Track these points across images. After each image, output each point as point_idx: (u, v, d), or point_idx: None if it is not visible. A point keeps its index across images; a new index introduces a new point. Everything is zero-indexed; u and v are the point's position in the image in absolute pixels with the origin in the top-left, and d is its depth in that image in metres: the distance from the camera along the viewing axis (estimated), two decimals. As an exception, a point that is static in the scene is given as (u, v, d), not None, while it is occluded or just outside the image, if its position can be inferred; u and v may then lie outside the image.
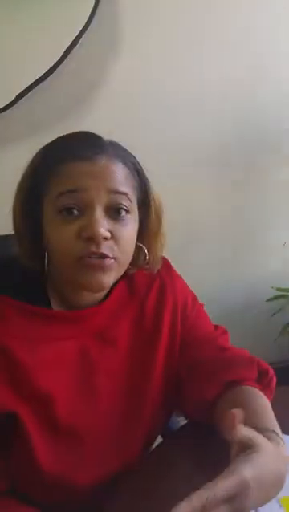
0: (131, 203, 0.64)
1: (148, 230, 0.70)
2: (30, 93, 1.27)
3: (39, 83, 1.27)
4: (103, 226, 0.60)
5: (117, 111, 1.33)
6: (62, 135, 0.68)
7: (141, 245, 0.68)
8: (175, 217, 1.49)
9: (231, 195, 1.60)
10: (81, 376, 0.67)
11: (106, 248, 0.61)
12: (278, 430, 0.59)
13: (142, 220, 0.68)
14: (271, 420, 0.61)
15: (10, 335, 0.63)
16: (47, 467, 0.63)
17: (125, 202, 0.63)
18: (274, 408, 0.65)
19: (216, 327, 0.79)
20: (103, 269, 0.61)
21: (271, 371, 0.72)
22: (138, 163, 0.68)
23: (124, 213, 0.63)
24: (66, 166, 0.61)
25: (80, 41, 1.23)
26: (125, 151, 0.67)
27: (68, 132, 0.68)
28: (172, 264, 0.79)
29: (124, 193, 0.63)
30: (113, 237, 0.61)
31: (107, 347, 0.69)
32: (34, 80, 1.26)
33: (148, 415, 0.70)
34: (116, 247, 0.62)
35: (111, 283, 0.65)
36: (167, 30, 1.33)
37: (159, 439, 0.78)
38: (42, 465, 0.62)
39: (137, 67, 1.33)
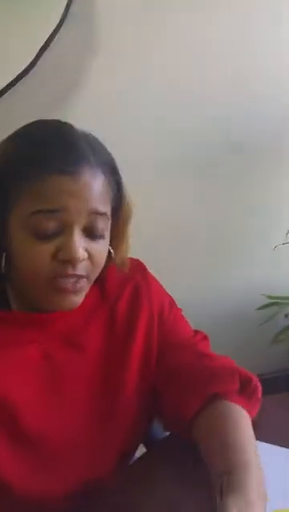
0: (107, 221, 0.61)
1: (116, 233, 0.66)
2: (5, 95, 1.23)
3: (13, 85, 1.23)
4: (81, 248, 0.57)
5: (96, 111, 1.30)
6: (32, 125, 0.62)
7: (109, 247, 0.64)
8: (162, 223, 1.50)
9: (218, 199, 1.57)
10: (46, 383, 0.63)
11: (81, 269, 0.58)
12: (252, 457, 0.56)
13: (112, 223, 0.64)
14: (249, 454, 0.57)
15: None
16: (9, 476, 0.59)
17: (103, 223, 0.60)
18: (264, 418, 0.63)
19: (196, 332, 0.75)
20: (75, 291, 0.59)
21: (255, 380, 0.67)
22: (114, 163, 0.64)
23: (98, 234, 0.60)
24: (45, 180, 0.55)
25: (54, 40, 1.20)
26: (102, 151, 0.62)
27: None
28: (151, 270, 0.75)
29: (104, 213, 0.59)
30: (89, 256, 0.59)
31: (75, 352, 0.65)
32: (7, 83, 1.22)
33: (122, 424, 0.66)
34: (90, 266, 0.59)
35: (81, 300, 0.61)
36: (143, 26, 1.32)
37: (142, 448, 0.75)
38: (7, 477, 0.59)
39: (115, 65, 1.31)
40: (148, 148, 1.41)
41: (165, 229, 1.49)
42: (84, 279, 0.59)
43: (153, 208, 1.41)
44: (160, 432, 0.80)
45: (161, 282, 0.75)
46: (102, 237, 0.60)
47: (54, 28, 1.18)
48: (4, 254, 0.60)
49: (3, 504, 0.60)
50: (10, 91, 1.23)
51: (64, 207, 0.55)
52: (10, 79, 1.22)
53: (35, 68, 1.23)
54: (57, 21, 1.17)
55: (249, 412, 0.63)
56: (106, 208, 0.60)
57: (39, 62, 1.22)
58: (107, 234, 0.62)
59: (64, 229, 0.56)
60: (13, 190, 0.57)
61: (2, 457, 0.59)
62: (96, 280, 0.65)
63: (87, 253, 0.58)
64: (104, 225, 0.60)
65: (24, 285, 0.61)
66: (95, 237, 0.59)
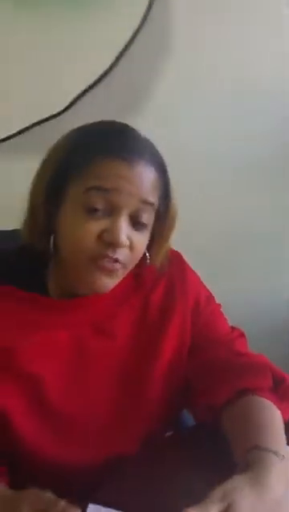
0: (152, 213, 0.65)
1: (158, 235, 0.70)
2: (83, 97, 1.30)
3: (92, 87, 1.30)
4: (126, 234, 0.61)
5: (168, 115, 1.34)
6: (99, 121, 0.69)
7: (144, 250, 0.68)
8: (239, 224, 1.47)
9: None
10: (74, 366, 0.67)
11: (121, 254, 0.62)
12: (283, 448, 0.58)
13: (155, 227, 0.68)
14: (275, 437, 0.59)
15: (1, 324, 0.65)
16: (32, 446, 0.64)
17: (149, 214, 0.64)
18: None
19: (232, 328, 0.77)
20: (111, 274, 0.63)
21: (287, 377, 0.69)
22: (166, 167, 0.68)
23: (144, 224, 0.64)
24: (103, 162, 0.61)
25: (132, 46, 1.26)
26: (156, 152, 0.68)
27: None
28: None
29: (152, 204, 0.64)
30: (130, 245, 0.63)
31: (105, 338, 0.69)
32: (87, 85, 1.29)
33: (146, 411, 0.69)
34: (129, 255, 0.63)
35: (112, 287, 0.65)
36: (221, 37, 1.32)
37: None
38: (27, 444, 0.64)
39: (189, 71, 1.33)
40: (224, 148, 1.42)
41: (241, 229, 1.49)
42: (121, 266, 0.63)
43: (230, 209, 1.44)
44: (191, 422, 0.81)
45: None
46: (145, 228, 0.64)
47: (130, 36, 1.23)
48: (52, 236, 0.65)
49: (27, 472, 0.64)
50: (89, 92, 1.30)
51: (117, 188, 0.60)
52: (84, 86, 1.29)
53: (110, 75, 1.28)
54: (133, 29, 1.23)
55: (280, 411, 0.65)
56: (154, 198, 0.64)
57: (114, 70, 1.28)
58: (149, 229, 0.66)
59: (113, 212, 0.61)
60: (73, 173, 0.62)
61: (29, 429, 0.64)
62: (131, 273, 0.69)
63: (129, 241, 0.62)
64: (149, 218, 0.64)
65: (65, 266, 0.66)
66: (139, 226, 0.63)
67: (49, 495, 0.51)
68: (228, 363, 0.70)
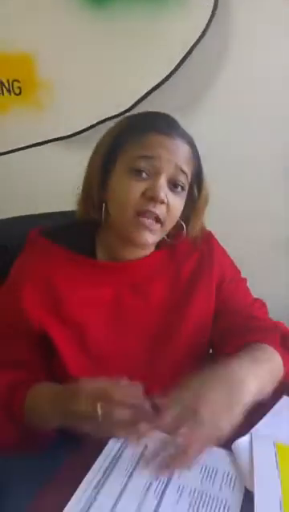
0: (186, 182, 0.78)
1: (192, 211, 0.82)
2: (148, 97, 1.43)
3: (155, 89, 1.42)
4: (164, 192, 0.73)
5: (225, 118, 1.43)
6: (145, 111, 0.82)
7: (181, 221, 0.80)
8: None
9: None
10: (113, 318, 0.78)
11: (160, 210, 0.74)
12: (267, 379, 0.68)
13: (189, 201, 0.80)
14: (267, 371, 0.69)
15: (53, 269, 0.77)
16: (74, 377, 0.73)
17: (184, 180, 0.77)
18: None
19: (255, 300, 0.87)
20: (150, 230, 0.75)
21: None
22: (198, 153, 0.81)
23: (180, 188, 0.76)
24: (148, 136, 0.75)
25: (193, 52, 1.36)
26: (192, 138, 0.80)
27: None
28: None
29: (185, 173, 0.76)
30: (167, 204, 0.75)
31: (141, 299, 0.80)
32: (151, 87, 1.41)
33: (173, 361, 0.79)
34: (165, 213, 0.75)
35: (152, 242, 0.77)
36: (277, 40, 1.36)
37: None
38: (70, 377, 0.73)
39: (245, 78, 1.40)
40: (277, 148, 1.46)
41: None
42: (159, 224, 0.75)
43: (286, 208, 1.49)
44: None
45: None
46: (181, 192, 0.76)
47: (194, 42, 1.34)
48: (104, 204, 0.78)
49: None
50: (151, 94, 1.42)
51: (159, 155, 0.73)
52: (148, 88, 1.41)
53: (175, 74, 1.39)
54: (197, 35, 1.33)
55: (285, 362, 0.73)
56: (188, 170, 0.76)
57: (176, 72, 1.39)
58: (184, 196, 0.78)
59: (155, 175, 0.73)
60: (124, 148, 0.75)
61: (72, 365, 0.75)
62: (168, 245, 0.82)
63: (167, 200, 0.74)
64: (184, 182, 0.76)
65: (113, 229, 0.77)
66: (175, 189, 0.76)
67: (102, 381, 0.60)
68: (243, 325, 0.79)
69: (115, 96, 1.43)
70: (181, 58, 1.37)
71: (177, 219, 0.79)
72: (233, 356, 0.68)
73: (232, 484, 0.62)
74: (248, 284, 0.92)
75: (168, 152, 0.74)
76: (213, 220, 0.90)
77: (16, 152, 1.61)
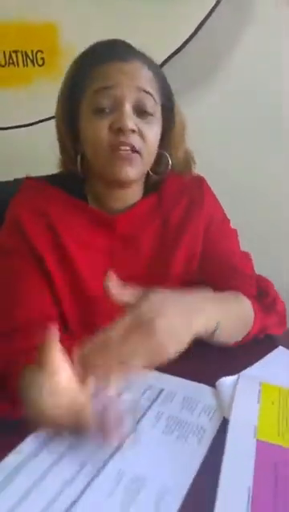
0: (155, 105, 0.73)
1: (171, 139, 0.79)
2: (169, 61, 1.43)
3: (176, 54, 1.42)
4: (131, 120, 0.70)
5: (244, 86, 1.44)
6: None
7: (162, 151, 0.77)
8: None
9: None
10: (107, 263, 0.77)
11: (134, 140, 0.71)
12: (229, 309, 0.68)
13: (166, 129, 0.77)
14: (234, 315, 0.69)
15: (50, 206, 0.77)
16: (66, 314, 0.77)
17: (150, 103, 0.72)
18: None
19: (242, 252, 0.86)
20: (130, 161, 0.71)
21: (273, 293, 0.77)
22: (164, 75, 0.77)
23: (149, 114, 0.72)
24: (101, 66, 0.71)
25: (212, 15, 1.36)
26: (153, 61, 0.77)
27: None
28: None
29: (150, 94, 0.72)
30: (139, 132, 0.71)
31: (132, 251, 0.80)
32: (172, 51, 1.42)
33: None
34: (141, 142, 0.72)
35: (135, 177, 0.74)
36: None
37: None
38: (64, 312, 0.76)
39: (267, 42, 1.40)
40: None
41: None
42: (137, 154, 0.71)
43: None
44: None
45: None
46: (151, 117, 0.73)
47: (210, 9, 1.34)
48: (79, 156, 0.76)
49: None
50: (172, 58, 1.42)
51: (117, 82, 0.70)
52: (166, 56, 1.41)
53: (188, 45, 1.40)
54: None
55: (260, 319, 0.73)
56: (152, 91, 0.72)
57: (192, 42, 1.39)
58: (156, 121, 0.74)
59: (117, 106, 0.70)
60: (80, 87, 0.73)
61: (66, 302, 0.75)
62: (155, 189, 0.80)
63: (138, 129, 0.71)
64: (153, 105, 0.72)
65: (95, 178, 0.76)
66: (144, 115, 0.72)
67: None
68: (223, 274, 0.79)
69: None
70: (200, 20, 1.37)
71: (156, 149, 0.76)
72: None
73: (211, 414, 0.62)
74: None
75: (125, 76, 0.70)
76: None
77: (40, 124, 1.64)
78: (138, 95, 0.71)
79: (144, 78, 0.72)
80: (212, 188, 0.89)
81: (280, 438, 0.55)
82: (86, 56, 0.77)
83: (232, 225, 0.90)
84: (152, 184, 0.83)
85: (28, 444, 0.56)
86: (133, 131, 0.70)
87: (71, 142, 0.78)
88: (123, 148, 0.70)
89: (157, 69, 0.77)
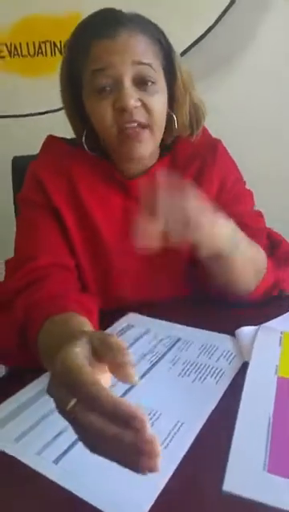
0: (156, 73, 0.69)
1: (175, 98, 0.74)
2: (197, 45, 1.46)
3: (197, 43, 1.45)
4: (133, 97, 0.66)
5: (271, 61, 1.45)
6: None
7: (171, 112, 0.74)
8: None
9: None
10: (122, 230, 0.77)
11: (138, 115, 0.68)
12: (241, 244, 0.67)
13: (169, 88, 0.73)
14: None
15: (72, 166, 0.77)
16: (91, 284, 0.77)
17: (150, 73, 0.68)
18: None
19: (255, 211, 0.83)
20: (139, 139, 0.69)
21: (286, 246, 0.76)
22: (161, 31, 0.72)
23: (150, 83, 0.68)
24: (91, 46, 0.68)
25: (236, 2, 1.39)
26: (146, 22, 0.71)
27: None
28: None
29: (148, 64, 0.68)
30: (144, 105, 0.68)
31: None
32: (191, 41, 1.44)
33: (174, 271, 0.79)
34: (147, 115, 0.68)
35: (148, 152, 0.72)
36: None
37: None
38: (87, 282, 0.77)
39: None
40: None
41: None
42: (146, 129, 0.69)
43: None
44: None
45: None
46: (154, 86, 0.68)
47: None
48: (84, 132, 0.75)
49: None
50: (196, 46, 1.45)
51: (111, 63, 0.66)
52: (197, 35, 1.44)
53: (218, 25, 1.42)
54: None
55: (272, 272, 0.72)
56: (150, 60, 0.68)
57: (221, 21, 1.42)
58: (160, 88, 0.70)
59: (116, 84, 0.67)
60: (77, 69, 0.70)
61: (83, 262, 0.76)
62: (169, 153, 0.78)
63: (141, 102, 0.67)
64: (153, 75, 0.68)
65: (106, 144, 0.74)
66: (146, 87, 0.68)
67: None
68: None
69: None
70: (220, 12, 1.40)
71: (164, 117, 0.73)
72: None
73: (230, 358, 0.59)
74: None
75: (117, 54, 0.67)
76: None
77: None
78: (135, 69, 0.67)
79: (138, 49, 0.68)
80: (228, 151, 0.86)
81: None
82: (77, 34, 0.73)
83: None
84: (167, 145, 0.81)
85: (40, 382, 0.55)
86: (136, 107, 0.67)
87: (79, 118, 0.77)
88: (129, 126, 0.68)
89: (151, 30, 0.71)
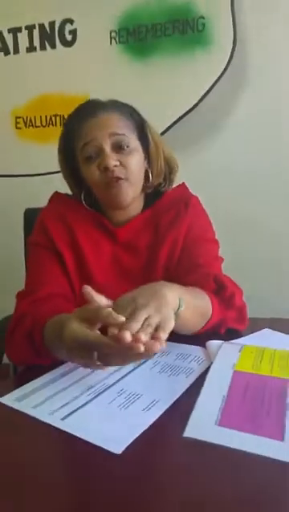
0: (129, 139, 0.90)
1: (150, 154, 0.97)
2: (178, 123, 1.72)
3: (185, 115, 1.72)
4: (112, 159, 0.88)
5: (244, 137, 1.71)
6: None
7: (148, 168, 0.96)
8: None
9: None
10: (111, 270, 0.94)
11: (118, 172, 0.89)
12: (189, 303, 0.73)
13: (145, 148, 0.95)
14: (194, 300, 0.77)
15: (70, 215, 0.96)
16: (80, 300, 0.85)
17: (124, 140, 0.90)
18: None
19: (214, 255, 0.98)
20: (119, 188, 0.89)
21: (230, 288, 0.86)
22: (134, 109, 0.96)
23: (125, 147, 0.90)
24: (80, 125, 0.90)
25: (219, 82, 1.66)
26: (120, 104, 0.94)
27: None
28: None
29: (122, 134, 0.90)
30: (122, 164, 0.89)
31: (130, 252, 0.96)
32: (180, 115, 1.71)
33: None
34: (124, 171, 0.89)
35: (129, 198, 0.91)
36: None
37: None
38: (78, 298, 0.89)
39: (265, 103, 1.68)
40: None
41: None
42: (123, 180, 0.89)
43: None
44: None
45: None
46: (129, 150, 0.89)
47: (217, 76, 1.64)
48: (83, 192, 0.97)
49: None
50: (184, 118, 1.72)
51: (93, 137, 0.88)
52: (180, 114, 1.71)
53: (202, 103, 1.69)
54: (219, 72, 1.63)
55: (217, 310, 0.83)
56: (123, 131, 0.90)
57: (204, 100, 1.69)
58: (135, 149, 0.91)
59: (100, 152, 0.89)
60: (71, 145, 0.93)
61: (78, 293, 0.90)
62: (150, 206, 0.98)
63: (120, 162, 0.88)
64: (127, 141, 0.89)
65: (98, 198, 0.94)
66: (122, 149, 0.89)
67: (93, 306, 0.63)
68: (187, 268, 0.92)
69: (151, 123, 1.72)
70: (205, 91, 1.67)
71: (140, 171, 0.93)
72: None
73: (200, 362, 0.74)
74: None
75: (97, 128, 0.89)
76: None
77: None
78: (113, 139, 0.89)
79: (114, 124, 0.90)
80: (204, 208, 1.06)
81: (254, 369, 0.67)
82: (68, 122, 0.96)
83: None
84: (151, 198, 1.01)
85: (54, 372, 0.71)
86: (115, 165, 0.88)
87: (75, 182, 0.99)
88: (111, 180, 0.89)
89: (123, 109, 0.94)
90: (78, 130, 0.91)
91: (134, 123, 0.94)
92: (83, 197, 0.98)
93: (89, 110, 0.92)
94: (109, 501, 0.44)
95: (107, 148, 0.89)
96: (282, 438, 0.50)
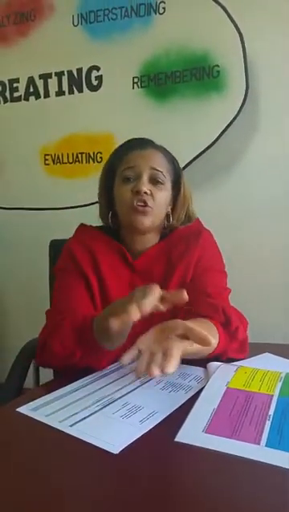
0: (164, 178, 1.04)
1: (176, 203, 1.10)
2: (196, 160, 1.86)
3: (201, 154, 1.84)
4: (146, 186, 1.01)
5: (255, 178, 1.83)
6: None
7: (168, 211, 1.08)
8: None
9: None
10: (128, 289, 1.01)
11: (146, 198, 1.01)
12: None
13: (174, 196, 1.08)
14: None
15: (94, 244, 1.07)
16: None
17: (160, 177, 1.03)
18: None
19: (222, 286, 1.07)
20: (144, 213, 1.02)
21: (235, 322, 0.94)
22: (175, 159, 1.10)
23: (159, 183, 1.03)
24: (128, 154, 1.06)
25: (232, 125, 1.79)
26: (167, 151, 1.09)
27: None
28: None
29: (160, 171, 1.03)
30: (152, 194, 1.02)
31: (146, 280, 1.04)
32: (197, 153, 1.85)
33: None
34: (152, 200, 1.02)
35: (149, 224, 1.03)
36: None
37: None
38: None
39: (274, 146, 1.81)
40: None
41: None
42: (149, 208, 1.01)
43: None
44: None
45: None
46: (161, 186, 1.03)
47: (231, 119, 1.77)
48: (110, 212, 1.09)
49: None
50: (198, 158, 1.86)
51: (137, 164, 1.03)
52: (196, 153, 1.85)
53: (215, 145, 1.83)
54: (233, 115, 1.77)
55: (225, 345, 0.90)
56: (163, 169, 1.04)
57: (218, 142, 1.82)
58: (165, 189, 1.04)
59: (137, 178, 1.02)
60: (115, 167, 1.07)
61: (98, 309, 1.00)
62: (164, 239, 1.09)
63: (150, 192, 1.01)
64: (162, 179, 1.03)
65: (121, 219, 1.06)
66: (156, 184, 1.03)
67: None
68: (197, 299, 0.96)
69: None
70: (219, 132, 1.80)
71: (164, 207, 1.06)
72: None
73: (199, 380, 0.82)
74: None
75: (143, 159, 1.03)
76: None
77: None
78: (151, 172, 1.03)
79: (156, 160, 1.04)
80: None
81: (245, 387, 0.75)
82: (120, 147, 1.12)
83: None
84: (165, 234, 1.12)
85: (65, 389, 0.80)
86: (146, 193, 1.01)
87: (106, 202, 1.11)
88: (139, 203, 1.01)
89: (168, 155, 1.09)
90: (125, 156, 1.06)
91: (173, 169, 1.09)
92: (110, 217, 1.10)
93: (139, 142, 1.08)
94: (105, 495, 0.52)
95: (145, 176, 1.02)
96: (259, 443, 0.57)
